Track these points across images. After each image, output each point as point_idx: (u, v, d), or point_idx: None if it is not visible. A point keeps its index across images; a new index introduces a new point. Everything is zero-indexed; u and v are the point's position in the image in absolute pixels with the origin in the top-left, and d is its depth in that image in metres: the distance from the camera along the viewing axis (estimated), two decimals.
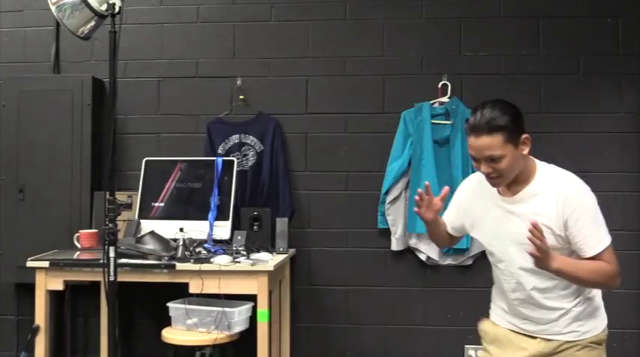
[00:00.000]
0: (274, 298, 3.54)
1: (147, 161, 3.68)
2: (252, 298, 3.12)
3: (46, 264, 3.12)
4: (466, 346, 3.67)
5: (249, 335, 3.16)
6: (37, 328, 3.15)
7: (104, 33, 2.62)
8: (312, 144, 3.82)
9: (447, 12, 3.76)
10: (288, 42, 3.84)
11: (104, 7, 2.54)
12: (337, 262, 3.76)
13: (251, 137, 3.78)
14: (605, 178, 3.66)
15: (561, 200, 2.09)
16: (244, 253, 3.25)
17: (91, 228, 3.53)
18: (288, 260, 3.59)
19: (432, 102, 3.66)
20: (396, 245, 3.66)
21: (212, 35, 3.88)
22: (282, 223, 3.51)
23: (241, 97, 3.81)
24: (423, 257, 3.63)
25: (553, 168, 2.20)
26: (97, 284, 3.35)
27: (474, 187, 2.30)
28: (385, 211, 3.67)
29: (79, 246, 3.40)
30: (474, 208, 2.28)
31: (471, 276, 3.68)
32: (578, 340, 2.16)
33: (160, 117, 3.90)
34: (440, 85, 3.68)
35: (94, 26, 2.61)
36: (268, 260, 3.17)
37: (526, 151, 2.09)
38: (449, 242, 2.50)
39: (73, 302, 3.79)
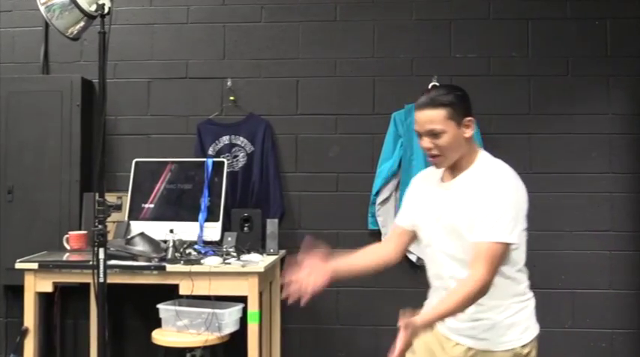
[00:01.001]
0: (265, 300, 3.54)
1: (137, 162, 3.67)
2: (242, 299, 3.12)
3: (35, 265, 3.10)
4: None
5: (239, 336, 3.16)
6: (26, 331, 3.13)
7: (93, 34, 2.61)
8: (303, 145, 3.82)
9: (437, 13, 3.78)
10: (279, 43, 3.84)
11: (93, 7, 2.53)
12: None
13: (241, 138, 3.78)
14: (593, 180, 3.69)
15: (486, 186, 2.02)
16: (235, 254, 3.24)
17: (80, 229, 3.51)
18: (278, 261, 3.58)
19: None
20: None
21: (202, 36, 3.87)
22: (272, 225, 3.51)
23: (231, 98, 3.80)
24: (413, 258, 3.64)
25: (494, 160, 2.12)
26: (86, 286, 3.34)
27: (422, 176, 2.30)
28: (375, 212, 3.68)
29: (68, 247, 3.38)
30: (419, 195, 2.26)
31: None
32: (492, 352, 2.05)
33: (149, 118, 3.88)
34: (430, 87, 3.69)
35: (84, 27, 2.60)
36: (259, 261, 3.17)
37: (468, 133, 2.07)
38: (386, 261, 2.34)
39: (62, 304, 3.77)
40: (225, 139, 3.78)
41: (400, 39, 3.79)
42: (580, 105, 3.71)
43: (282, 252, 3.64)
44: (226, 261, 3.13)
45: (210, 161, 3.58)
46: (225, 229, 3.49)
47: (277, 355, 3.67)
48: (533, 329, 2.10)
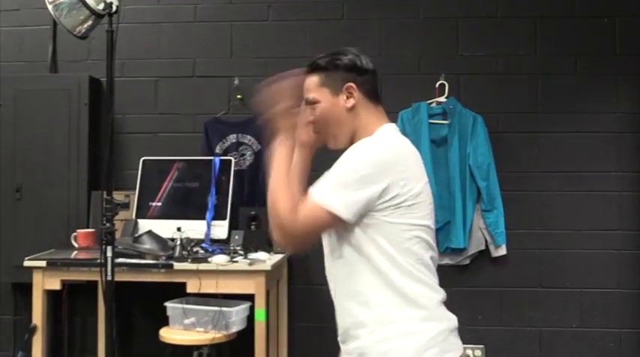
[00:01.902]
0: (272, 298, 3.55)
1: (144, 161, 3.68)
2: (249, 297, 3.12)
3: (43, 264, 3.12)
4: (464, 345, 3.66)
5: (246, 335, 3.16)
6: (34, 328, 3.14)
7: (101, 32, 2.62)
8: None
9: (445, 12, 3.77)
10: (286, 41, 3.84)
11: (101, 6, 2.54)
12: None
13: (248, 137, 3.78)
14: (601, 178, 3.67)
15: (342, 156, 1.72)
16: (242, 252, 3.25)
17: (88, 227, 3.52)
18: (285, 260, 3.59)
19: (429, 102, 3.66)
20: None
21: (209, 35, 3.88)
22: None
23: (239, 96, 3.80)
24: None
25: (386, 134, 1.76)
26: (94, 284, 3.35)
27: None
28: None
29: (76, 245, 3.40)
30: None
31: (469, 276, 3.68)
32: None
33: (157, 116, 3.89)
34: (437, 85, 3.69)
35: (92, 25, 2.61)
36: (266, 260, 3.17)
37: (350, 103, 1.75)
38: None
39: (70, 302, 3.78)
40: (232, 138, 3.78)
41: (407, 37, 3.78)
42: (588, 103, 3.69)
43: None
44: (234, 259, 3.14)
45: (217, 160, 3.58)
46: (232, 227, 3.50)
47: (284, 354, 3.67)
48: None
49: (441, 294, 1.74)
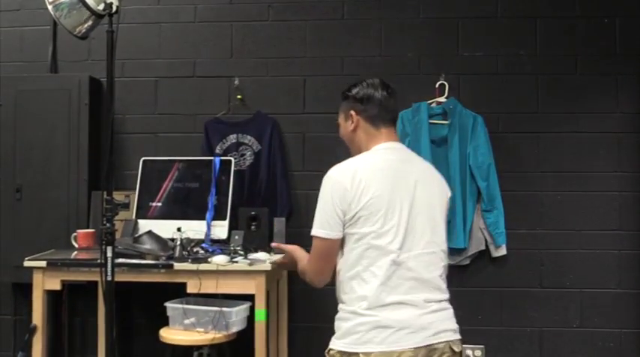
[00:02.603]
0: (272, 298, 3.55)
1: (144, 161, 3.68)
2: (249, 297, 3.12)
3: (43, 264, 3.12)
4: (463, 345, 3.66)
5: (246, 335, 3.16)
6: (34, 328, 3.14)
7: (101, 32, 2.62)
8: (310, 143, 3.82)
9: (445, 12, 3.77)
10: (286, 42, 3.84)
11: (101, 6, 2.54)
12: None
13: (249, 137, 3.78)
14: (601, 179, 3.67)
15: None
16: (242, 252, 3.25)
17: (88, 228, 3.52)
18: None
19: (429, 102, 3.66)
20: None
21: (209, 35, 3.88)
22: (279, 223, 3.51)
23: (239, 96, 3.81)
24: None
25: (366, 155, 2.17)
26: (94, 284, 3.35)
27: None
28: None
29: (76, 246, 3.40)
30: None
31: (469, 276, 3.68)
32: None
33: (157, 116, 3.89)
34: (437, 85, 3.69)
35: (92, 26, 2.61)
36: (266, 260, 3.17)
37: (350, 127, 2.21)
38: None
39: (70, 302, 3.78)
40: (232, 138, 3.78)
41: (407, 37, 3.78)
42: (588, 103, 3.69)
43: None
44: (234, 259, 3.14)
45: (217, 160, 3.58)
46: (232, 227, 3.50)
47: (284, 354, 3.67)
48: (345, 343, 2.04)
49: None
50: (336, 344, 2.08)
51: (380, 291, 1.98)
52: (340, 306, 2.12)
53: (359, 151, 2.20)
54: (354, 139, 2.21)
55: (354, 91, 2.22)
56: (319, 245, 2.08)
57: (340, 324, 2.09)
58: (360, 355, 1.97)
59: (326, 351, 2.14)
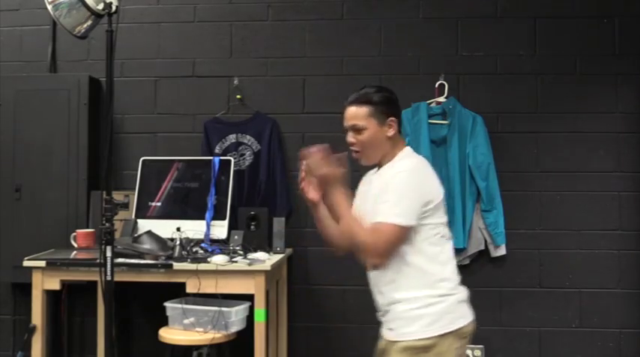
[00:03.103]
0: (271, 298, 3.55)
1: (144, 161, 3.68)
2: (249, 297, 3.12)
3: (42, 264, 3.12)
4: None
5: (246, 335, 3.16)
6: (34, 328, 3.14)
7: (101, 32, 2.62)
8: (310, 143, 3.78)
9: (444, 12, 3.77)
10: (285, 41, 3.84)
11: (101, 6, 2.54)
12: (334, 261, 3.74)
13: (248, 137, 3.78)
14: (601, 178, 3.67)
15: (389, 176, 2.17)
16: (241, 252, 3.25)
17: (87, 227, 3.52)
18: (285, 260, 3.59)
19: (429, 102, 3.66)
20: None
21: (209, 35, 3.88)
22: (279, 223, 3.51)
23: (238, 96, 3.80)
24: None
25: (410, 155, 2.25)
26: (93, 284, 3.35)
27: (367, 176, 2.40)
28: None
29: (75, 245, 3.40)
30: (359, 190, 2.39)
31: (468, 276, 3.66)
32: (394, 342, 2.14)
33: (156, 116, 3.89)
34: (437, 85, 3.69)
35: (91, 25, 2.61)
36: (265, 260, 3.17)
37: (391, 132, 2.21)
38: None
39: (69, 302, 3.78)
40: (231, 138, 3.78)
41: (407, 37, 3.78)
42: (588, 103, 3.69)
43: (289, 250, 3.64)
44: (233, 259, 3.14)
45: (217, 160, 3.58)
46: (232, 227, 3.50)
47: (284, 354, 3.67)
48: (442, 325, 2.11)
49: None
50: (430, 331, 2.10)
51: (453, 271, 2.23)
52: (415, 294, 2.13)
53: (380, 157, 2.24)
54: (384, 145, 2.23)
55: (388, 94, 2.25)
56: (398, 232, 2.06)
57: (427, 310, 2.11)
58: (453, 331, 2.13)
59: (407, 344, 2.10)
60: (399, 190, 2.09)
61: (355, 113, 2.21)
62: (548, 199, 3.69)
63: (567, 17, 3.71)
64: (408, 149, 2.28)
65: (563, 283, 3.67)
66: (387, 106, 2.22)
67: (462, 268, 3.63)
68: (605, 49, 3.69)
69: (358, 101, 2.21)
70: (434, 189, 2.17)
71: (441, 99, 3.66)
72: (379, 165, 2.28)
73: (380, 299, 2.24)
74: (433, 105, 3.67)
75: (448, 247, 2.23)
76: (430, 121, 3.62)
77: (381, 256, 2.10)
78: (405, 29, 3.79)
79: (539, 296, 3.67)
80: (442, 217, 2.20)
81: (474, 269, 3.66)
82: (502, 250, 3.63)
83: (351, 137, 2.24)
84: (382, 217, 2.07)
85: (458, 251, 3.59)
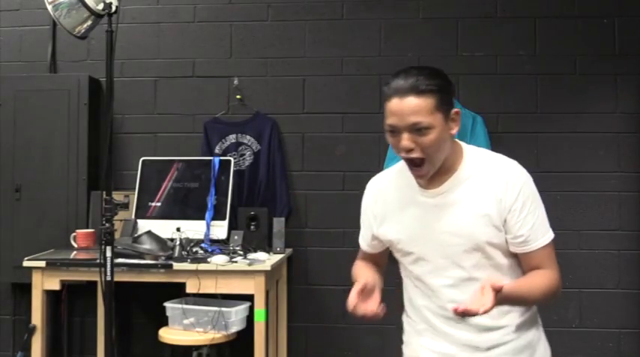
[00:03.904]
0: (271, 298, 3.55)
1: (144, 161, 3.68)
2: (249, 297, 3.12)
3: (42, 264, 3.12)
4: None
5: (246, 335, 3.16)
6: (34, 328, 3.14)
7: (101, 32, 2.62)
8: (309, 144, 3.82)
9: (444, 12, 3.77)
10: (285, 42, 3.84)
11: (101, 6, 2.54)
12: (334, 261, 3.76)
13: (248, 137, 3.78)
14: (601, 179, 3.67)
15: (502, 184, 1.67)
16: (241, 252, 3.25)
17: (87, 228, 3.52)
18: (285, 260, 3.59)
19: None
20: None
21: (209, 35, 3.88)
22: (279, 223, 3.51)
23: (238, 96, 3.80)
24: None
25: (483, 151, 1.78)
26: (93, 284, 3.35)
27: (379, 186, 1.90)
28: None
29: (75, 246, 3.40)
30: (383, 206, 1.85)
31: None
32: None
33: (156, 116, 3.89)
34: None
35: (91, 25, 2.61)
36: (265, 260, 3.17)
37: (455, 129, 1.67)
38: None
39: (69, 302, 3.78)
40: (231, 138, 3.78)
41: (407, 37, 3.78)
42: (588, 103, 3.69)
43: (289, 250, 3.64)
44: (233, 259, 3.14)
45: (216, 160, 3.58)
46: (231, 227, 3.50)
47: (284, 354, 3.67)
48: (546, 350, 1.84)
49: None
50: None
51: None
52: (532, 327, 1.82)
53: (439, 163, 1.67)
54: (447, 147, 1.67)
55: (446, 77, 1.69)
56: (553, 248, 1.77)
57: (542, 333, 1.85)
58: None
59: None
60: (533, 198, 1.70)
61: (417, 107, 1.59)
62: (548, 199, 3.63)
63: (567, 17, 3.71)
64: (468, 146, 1.77)
65: (563, 283, 3.63)
66: (451, 95, 1.67)
67: None
68: (605, 50, 3.69)
69: (418, 89, 1.59)
70: None
71: None
72: (423, 175, 1.68)
73: (485, 336, 1.74)
74: None
75: None
76: None
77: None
78: (405, 29, 3.79)
79: None
80: None
81: None
82: None
83: (408, 141, 1.61)
84: (543, 238, 1.72)
85: None
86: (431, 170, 1.66)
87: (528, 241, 1.69)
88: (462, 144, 1.75)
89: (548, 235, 1.73)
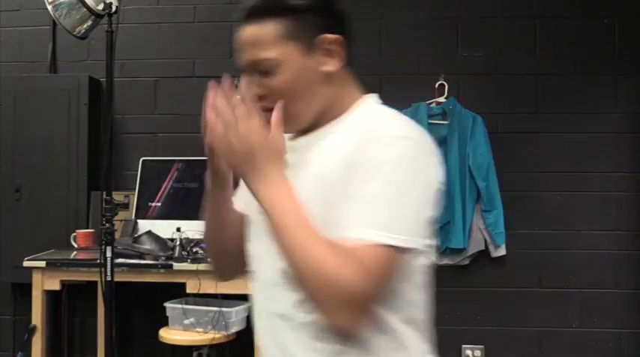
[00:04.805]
0: None
1: (144, 161, 3.68)
2: (249, 297, 3.12)
3: (42, 264, 3.12)
4: (463, 345, 3.67)
5: (246, 335, 3.16)
6: (34, 329, 3.14)
7: (101, 33, 2.62)
8: None
9: (444, 12, 3.76)
10: None
11: (101, 6, 2.54)
12: None
13: None
14: (601, 179, 3.67)
15: (364, 135, 1.14)
16: None
17: (87, 228, 3.52)
18: None
19: (428, 102, 3.66)
20: None
21: (209, 35, 3.87)
22: None
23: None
24: None
25: (386, 109, 1.27)
26: (93, 284, 3.35)
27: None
28: None
29: (75, 246, 3.40)
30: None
31: (468, 276, 3.68)
32: None
33: (156, 117, 3.89)
34: (437, 85, 3.69)
35: (91, 26, 2.62)
36: None
37: (331, 65, 1.19)
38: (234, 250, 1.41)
39: (69, 302, 3.78)
40: None
41: (407, 37, 3.78)
42: (588, 104, 3.69)
43: None
44: None
45: None
46: None
47: None
48: None
49: None
50: None
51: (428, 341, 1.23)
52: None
53: (317, 115, 1.22)
54: (323, 91, 1.20)
55: None
56: (392, 259, 1.07)
57: None
58: None
59: None
60: (395, 178, 1.09)
61: (253, 37, 1.19)
62: (548, 200, 3.69)
63: (567, 17, 3.71)
64: (375, 100, 1.30)
65: (563, 283, 3.67)
66: (317, 13, 1.19)
67: (461, 269, 3.67)
68: (605, 50, 3.69)
69: (257, 12, 1.17)
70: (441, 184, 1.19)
71: (441, 99, 3.66)
72: (311, 129, 1.23)
73: None
74: (433, 105, 3.66)
75: (424, 286, 1.21)
76: (430, 121, 3.62)
77: (373, 294, 1.07)
78: (405, 29, 3.78)
79: (539, 296, 3.67)
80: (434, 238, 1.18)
81: (473, 269, 3.66)
82: (502, 251, 3.63)
83: (255, 85, 1.23)
84: (365, 230, 1.06)
85: (458, 251, 3.60)
86: (294, 124, 1.20)
87: (347, 219, 1.08)
88: (366, 98, 1.30)
89: (380, 234, 1.06)
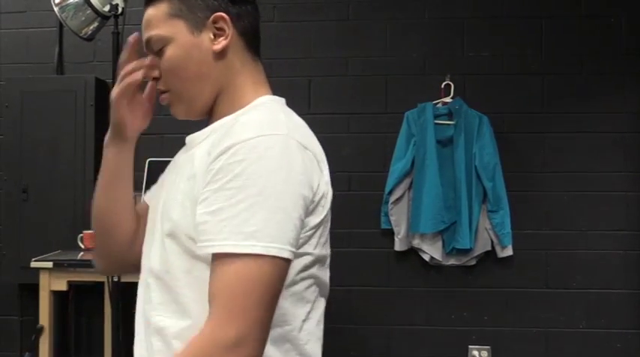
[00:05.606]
0: None
1: (150, 162, 3.68)
2: None
3: (49, 264, 3.13)
4: (470, 346, 3.67)
5: None
6: (41, 329, 3.15)
7: (107, 34, 2.63)
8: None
9: (450, 12, 3.76)
10: (291, 42, 3.84)
11: (107, 8, 2.55)
12: (340, 262, 3.74)
13: None
14: (608, 178, 3.66)
15: (225, 140, 1.11)
16: None
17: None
18: None
19: (435, 102, 3.66)
20: (399, 245, 3.66)
21: None
22: None
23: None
24: (426, 257, 3.62)
25: (271, 107, 1.26)
26: (100, 285, 3.36)
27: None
28: (388, 211, 3.67)
29: (82, 246, 3.40)
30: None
31: (475, 276, 3.67)
32: None
33: (163, 118, 3.85)
34: (443, 86, 3.68)
35: (97, 27, 2.62)
36: None
37: (220, 44, 1.19)
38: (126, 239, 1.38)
39: (76, 303, 3.79)
40: None
41: (413, 38, 3.78)
42: (594, 103, 3.68)
43: None
44: None
45: None
46: None
47: None
48: None
49: None
50: None
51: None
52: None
53: (211, 99, 1.22)
54: (214, 72, 1.20)
55: None
56: (269, 273, 1.03)
57: None
58: None
59: None
60: (249, 177, 1.05)
61: (150, 18, 1.25)
62: (554, 200, 3.68)
63: (573, 17, 3.70)
64: (271, 99, 1.28)
65: (570, 283, 3.66)
66: None
67: (468, 269, 3.66)
68: (612, 49, 3.68)
69: None
70: (322, 186, 1.19)
71: (447, 99, 3.66)
72: (210, 117, 1.24)
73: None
74: (439, 105, 3.66)
75: (321, 312, 1.20)
76: (436, 121, 3.61)
77: (239, 328, 1.01)
78: (411, 30, 3.78)
79: (545, 297, 3.66)
80: (327, 246, 1.19)
81: (480, 270, 3.66)
82: (509, 251, 3.62)
83: (151, 64, 1.24)
84: (230, 241, 1.02)
85: (464, 252, 3.59)
86: (188, 108, 1.22)
87: (205, 232, 1.04)
88: (264, 96, 1.29)
89: (242, 245, 1.01)
